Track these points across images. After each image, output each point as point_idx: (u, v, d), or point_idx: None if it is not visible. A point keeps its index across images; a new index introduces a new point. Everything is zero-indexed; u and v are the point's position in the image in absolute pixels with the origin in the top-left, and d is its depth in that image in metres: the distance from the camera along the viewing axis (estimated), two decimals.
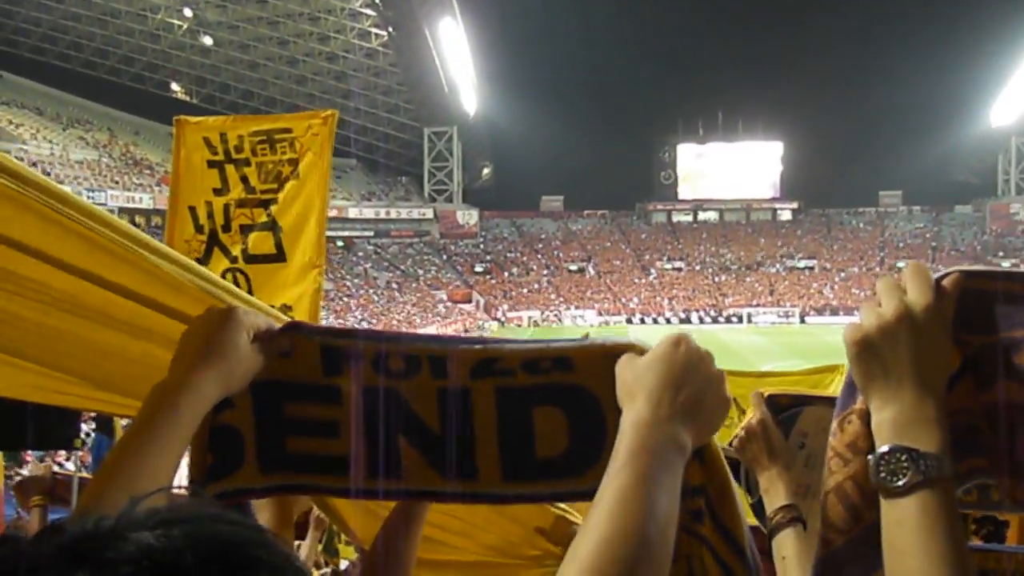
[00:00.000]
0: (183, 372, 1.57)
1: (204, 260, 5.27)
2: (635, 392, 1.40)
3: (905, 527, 1.17)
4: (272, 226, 5.44)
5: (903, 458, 1.19)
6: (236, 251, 5.45)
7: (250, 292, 4.67)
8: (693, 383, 1.39)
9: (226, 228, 5.46)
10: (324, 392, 1.83)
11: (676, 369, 1.40)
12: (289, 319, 1.92)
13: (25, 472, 6.80)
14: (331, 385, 1.83)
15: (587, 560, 1.15)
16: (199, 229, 5.48)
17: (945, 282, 1.28)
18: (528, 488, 1.86)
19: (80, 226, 1.47)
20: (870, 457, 1.24)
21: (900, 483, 1.19)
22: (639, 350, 1.53)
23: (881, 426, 1.25)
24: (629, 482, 1.25)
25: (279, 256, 5.45)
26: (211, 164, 5.50)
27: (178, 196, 5.56)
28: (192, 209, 5.49)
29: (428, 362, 1.79)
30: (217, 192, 5.48)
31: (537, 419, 1.79)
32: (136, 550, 0.75)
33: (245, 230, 5.45)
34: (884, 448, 1.22)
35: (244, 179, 5.46)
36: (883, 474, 1.20)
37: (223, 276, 4.49)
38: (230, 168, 5.48)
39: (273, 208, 5.45)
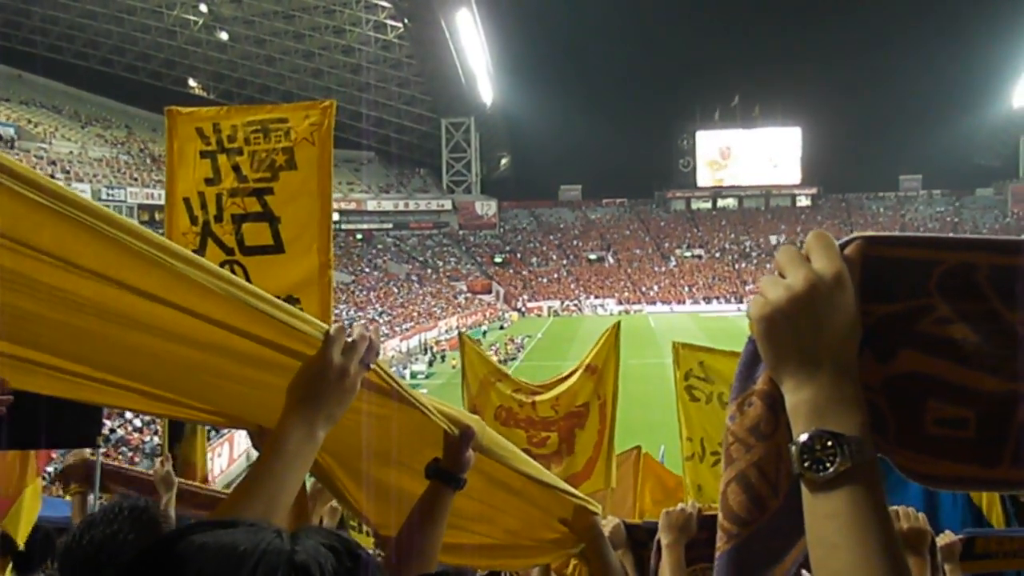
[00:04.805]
0: (305, 429, 1.79)
1: (200, 252, 5.21)
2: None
3: (838, 520, 1.09)
4: (268, 217, 5.38)
5: (829, 443, 1.10)
6: (231, 242, 5.39)
7: (248, 283, 4.61)
8: None
9: (219, 218, 5.41)
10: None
11: None
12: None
13: None
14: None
15: None
16: (193, 221, 5.44)
17: (848, 251, 1.21)
18: None
19: (105, 233, 1.48)
20: (792, 446, 1.14)
21: (829, 471, 1.10)
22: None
23: (798, 409, 1.16)
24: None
25: (277, 247, 5.38)
26: (203, 155, 5.44)
27: (174, 189, 5.52)
28: (186, 201, 5.45)
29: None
30: (209, 182, 5.43)
31: None
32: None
33: (237, 220, 5.39)
34: (806, 435, 1.13)
35: (236, 168, 5.40)
36: (808, 463, 1.12)
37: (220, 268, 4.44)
38: (222, 158, 5.43)
39: (269, 199, 5.39)
